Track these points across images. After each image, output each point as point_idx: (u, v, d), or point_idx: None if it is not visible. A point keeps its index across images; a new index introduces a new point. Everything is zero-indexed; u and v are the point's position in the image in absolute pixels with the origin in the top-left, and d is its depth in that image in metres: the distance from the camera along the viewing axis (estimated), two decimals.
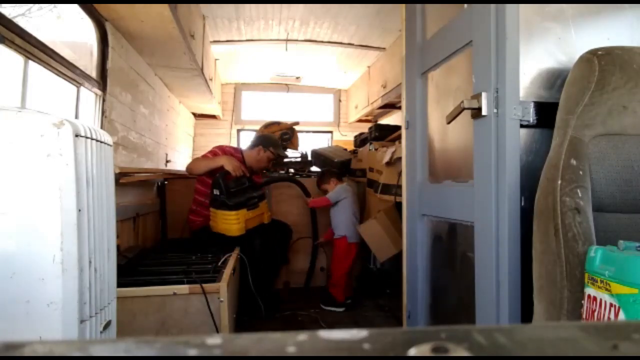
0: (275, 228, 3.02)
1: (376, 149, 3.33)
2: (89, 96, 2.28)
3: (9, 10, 1.56)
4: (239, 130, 5.65)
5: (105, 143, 1.05)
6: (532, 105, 1.23)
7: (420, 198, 1.81)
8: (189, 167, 2.84)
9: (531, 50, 1.26)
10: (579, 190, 0.95)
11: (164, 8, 2.21)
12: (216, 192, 2.62)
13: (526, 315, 1.19)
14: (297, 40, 3.94)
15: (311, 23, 3.59)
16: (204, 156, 2.91)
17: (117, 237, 1.85)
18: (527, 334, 0.25)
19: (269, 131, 4.30)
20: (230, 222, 2.59)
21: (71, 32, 2.19)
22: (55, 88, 2.02)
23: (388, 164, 2.86)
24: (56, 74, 1.93)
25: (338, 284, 2.96)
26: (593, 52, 1.04)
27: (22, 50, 1.65)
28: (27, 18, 1.70)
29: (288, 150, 4.38)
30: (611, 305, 0.77)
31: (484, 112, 1.27)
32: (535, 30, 1.26)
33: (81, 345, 0.23)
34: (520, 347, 0.24)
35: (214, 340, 0.24)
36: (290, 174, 3.98)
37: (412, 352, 0.23)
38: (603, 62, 1.01)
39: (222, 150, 2.93)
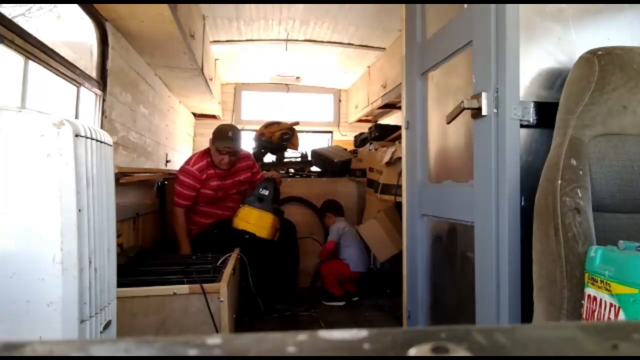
0: (283, 228, 3.04)
1: (376, 149, 3.33)
2: (89, 96, 2.28)
3: (9, 10, 1.56)
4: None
5: (105, 143, 1.06)
6: (532, 105, 1.23)
7: (420, 198, 1.81)
8: None
9: (531, 50, 1.26)
10: (579, 190, 0.95)
11: (164, 8, 2.21)
12: (264, 192, 2.70)
13: (526, 315, 1.19)
14: (297, 40, 3.94)
15: (311, 23, 3.59)
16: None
17: (119, 236, 1.86)
18: (527, 334, 0.25)
19: (268, 131, 4.30)
20: (264, 224, 2.67)
21: (71, 32, 2.19)
22: (55, 88, 2.01)
23: (388, 164, 2.86)
24: (56, 74, 1.93)
25: (326, 280, 3.19)
26: (593, 52, 1.04)
27: (22, 50, 1.64)
28: (27, 18, 1.70)
29: (288, 150, 4.39)
30: (611, 305, 0.77)
31: (484, 112, 1.27)
32: (535, 30, 1.26)
33: (81, 345, 0.23)
34: (520, 347, 0.24)
35: (214, 340, 0.24)
36: (291, 174, 3.99)
37: (412, 352, 0.23)
38: (603, 62, 1.01)
39: (189, 165, 2.80)
